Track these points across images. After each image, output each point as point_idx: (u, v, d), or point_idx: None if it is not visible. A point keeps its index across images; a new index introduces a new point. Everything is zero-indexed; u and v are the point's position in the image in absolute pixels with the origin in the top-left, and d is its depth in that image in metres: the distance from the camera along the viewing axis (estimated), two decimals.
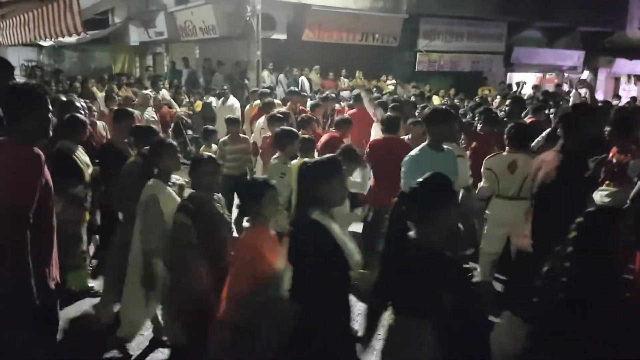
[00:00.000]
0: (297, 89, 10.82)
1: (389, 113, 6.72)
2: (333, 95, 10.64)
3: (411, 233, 2.52)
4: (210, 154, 3.94)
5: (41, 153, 2.77)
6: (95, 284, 5.05)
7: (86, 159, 4.99)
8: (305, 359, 2.68)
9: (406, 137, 6.00)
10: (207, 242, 3.39)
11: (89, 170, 4.96)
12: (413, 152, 4.26)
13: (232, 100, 10.00)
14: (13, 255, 2.65)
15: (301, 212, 2.76)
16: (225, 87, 10.66)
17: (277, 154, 5.13)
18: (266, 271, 2.92)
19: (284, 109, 8.15)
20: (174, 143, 3.99)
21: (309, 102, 9.42)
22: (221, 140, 6.65)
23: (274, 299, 2.86)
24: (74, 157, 4.84)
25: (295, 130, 5.51)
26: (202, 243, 3.36)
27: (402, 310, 2.52)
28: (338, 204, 2.83)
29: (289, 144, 5.07)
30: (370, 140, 6.40)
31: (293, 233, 2.77)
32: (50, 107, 2.91)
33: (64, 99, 6.25)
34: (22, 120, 2.77)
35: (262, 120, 7.55)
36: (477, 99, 12.15)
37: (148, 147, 4.05)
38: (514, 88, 16.25)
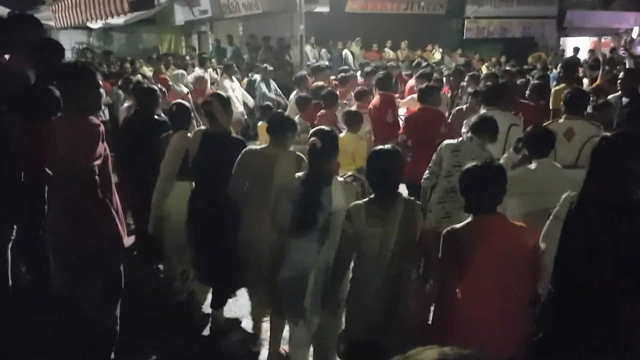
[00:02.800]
0: (325, 64, 10.53)
1: (427, 83, 6.59)
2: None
3: None
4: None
5: (99, 123, 3.13)
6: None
7: None
8: None
9: (464, 106, 5.87)
10: None
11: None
12: None
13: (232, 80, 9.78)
14: (91, 201, 3.05)
15: (611, 193, 2.36)
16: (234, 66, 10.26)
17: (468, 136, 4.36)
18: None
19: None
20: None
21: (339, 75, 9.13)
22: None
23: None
24: None
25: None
26: None
27: None
28: None
29: (489, 131, 4.29)
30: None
31: (607, 217, 2.33)
32: (100, 82, 3.31)
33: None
34: (79, 96, 3.08)
35: None
36: (538, 66, 11.58)
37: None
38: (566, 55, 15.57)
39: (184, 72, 10.04)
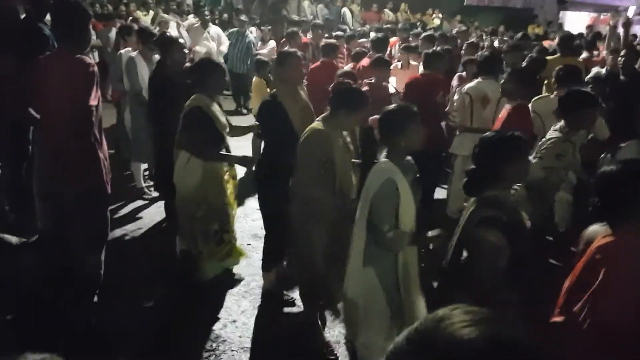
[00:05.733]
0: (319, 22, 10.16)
1: (433, 48, 6.48)
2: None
3: None
4: None
5: (94, 63, 3.08)
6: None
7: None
8: None
9: (463, 73, 5.81)
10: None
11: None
12: None
13: (216, 29, 9.24)
14: (85, 143, 3.03)
15: None
16: (207, 14, 9.41)
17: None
18: None
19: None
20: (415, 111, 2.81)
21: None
22: None
23: None
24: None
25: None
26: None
27: None
28: None
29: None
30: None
31: None
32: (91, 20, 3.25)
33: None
34: (73, 34, 3.03)
35: None
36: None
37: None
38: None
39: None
